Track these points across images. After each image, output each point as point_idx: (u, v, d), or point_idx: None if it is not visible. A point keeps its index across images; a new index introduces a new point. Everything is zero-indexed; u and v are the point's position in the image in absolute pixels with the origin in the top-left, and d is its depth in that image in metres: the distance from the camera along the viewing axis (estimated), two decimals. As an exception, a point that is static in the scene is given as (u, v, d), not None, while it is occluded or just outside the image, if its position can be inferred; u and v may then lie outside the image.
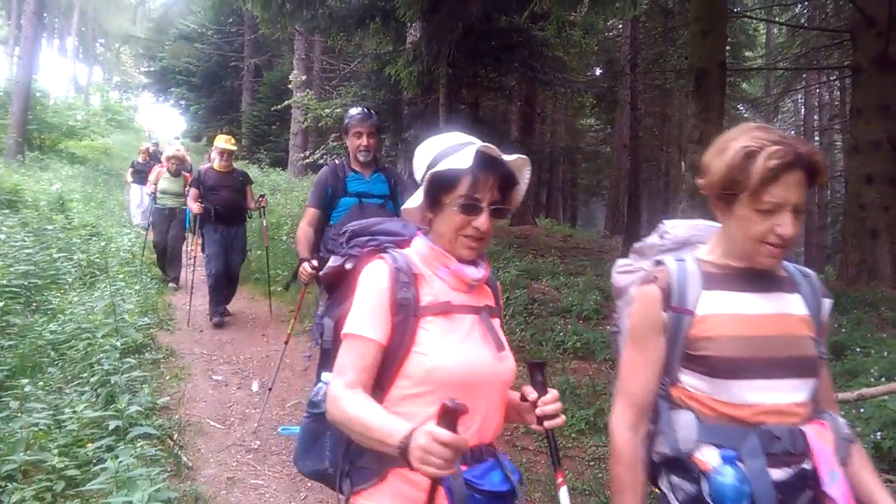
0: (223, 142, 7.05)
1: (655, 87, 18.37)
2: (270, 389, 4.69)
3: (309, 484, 3.67)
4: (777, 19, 15.49)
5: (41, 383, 4.07)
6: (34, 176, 13.61)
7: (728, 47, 9.62)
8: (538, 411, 1.55)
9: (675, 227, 1.75)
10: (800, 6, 15.04)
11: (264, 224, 7.80)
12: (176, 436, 4.04)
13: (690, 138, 6.52)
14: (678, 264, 1.60)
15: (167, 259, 8.77)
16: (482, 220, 1.52)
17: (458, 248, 1.55)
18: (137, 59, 41.26)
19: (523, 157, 1.57)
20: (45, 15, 31.19)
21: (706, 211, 5.75)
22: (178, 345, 6.02)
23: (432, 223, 1.60)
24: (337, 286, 1.74)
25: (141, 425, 3.57)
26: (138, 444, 3.31)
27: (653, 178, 23.68)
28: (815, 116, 25.66)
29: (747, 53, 19.35)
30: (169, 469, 3.55)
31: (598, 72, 21.83)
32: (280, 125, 21.79)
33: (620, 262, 1.84)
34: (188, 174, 8.90)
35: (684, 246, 1.71)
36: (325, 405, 1.50)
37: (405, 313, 1.49)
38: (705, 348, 1.50)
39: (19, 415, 3.41)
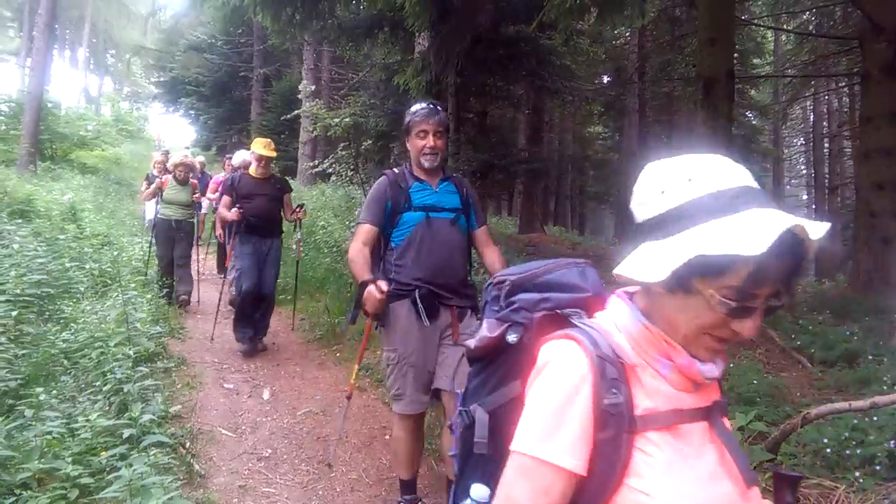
0: (261, 147, 6.27)
1: (663, 94, 18.39)
2: (330, 466, 4.07)
3: (321, 492, 3.68)
4: (785, 27, 15.48)
5: (55, 392, 4.09)
6: (46, 186, 13.72)
7: (736, 55, 9.62)
8: None
9: None
10: (808, 14, 15.02)
11: (298, 237, 7.28)
12: (188, 444, 4.06)
13: (700, 146, 6.52)
14: None
15: (176, 278, 8.06)
16: (749, 325, 0.99)
17: (697, 347, 1.04)
18: (148, 69, 41.68)
19: (827, 224, 0.95)
20: (56, 27, 31.51)
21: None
22: (190, 353, 6.05)
23: (655, 296, 1.07)
24: (491, 361, 1.23)
25: (154, 434, 3.58)
26: (151, 453, 3.33)
27: (661, 186, 23.61)
28: (825, 123, 25.59)
29: (755, 61, 19.35)
30: (182, 477, 3.57)
31: (605, 80, 21.87)
32: (289, 134, 21.93)
33: None
34: (196, 182, 8.37)
35: None
36: None
37: (615, 427, 0.99)
38: None
39: (33, 423, 3.43)
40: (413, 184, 3.23)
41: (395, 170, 3.33)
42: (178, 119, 33.77)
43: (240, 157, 8.13)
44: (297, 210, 6.50)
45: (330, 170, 16.28)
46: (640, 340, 1.06)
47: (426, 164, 3.20)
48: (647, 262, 1.02)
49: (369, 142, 14.22)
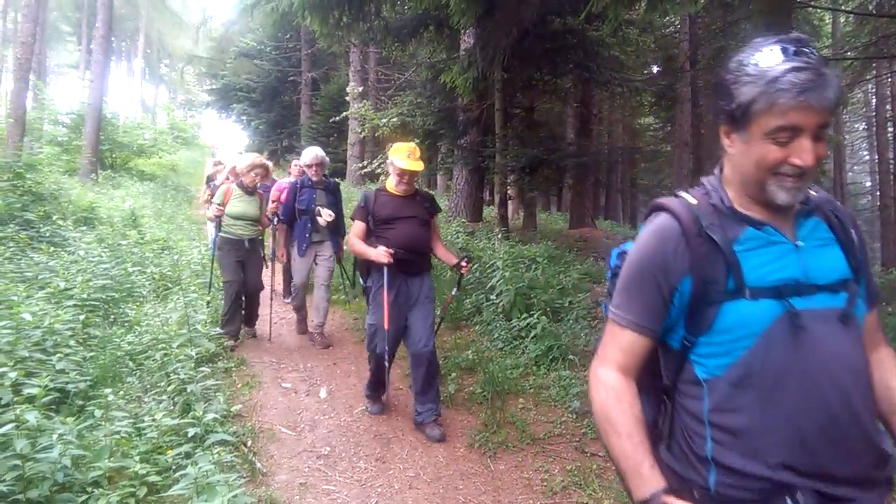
0: (405, 156, 4.44)
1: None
2: None
3: (380, 489, 3.71)
4: (843, 8, 14.88)
5: (122, 392, 4.24)
6: (107, 193, 14.25)
7: (793, 39, 9.31)
8: None
9: None
10: (868, -8, 14.41)
11: (453, 292, 5.08)
12: (250, 442, 4.14)
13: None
14: None
15: (244, 308, 6.45)
16: None
17: None
18: (200, 77, 42.77)
19: None
20: (112, 39, 32.57)
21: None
22: (248, 353, 6.17)
23: None
24: None
25: (217, 432, 3.67)
26: (215, 451, 3.41)
27: (715, 177, 23.05)
28: (888, 107, 24.58)
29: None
30: (244, 475, 3.65)
31: (655, 70, 21.47)
32: (338, 136, 22.24)
33: None
34: (262, 192, 6.68)
35: None
36: None
37: None
38: None
39: (103, 423, 3.55)
40: (744, 232, 1.44)
41: (690, 196, 1.52)
42: (230, 125, 34.60)
43: (310, 153, 6.57)
44: (463, 265, 4.57)
45: (378, 170, 16.42)
46: None
47: (782, 199, 1.40)
48: None
49: (417, 141, 14.28)
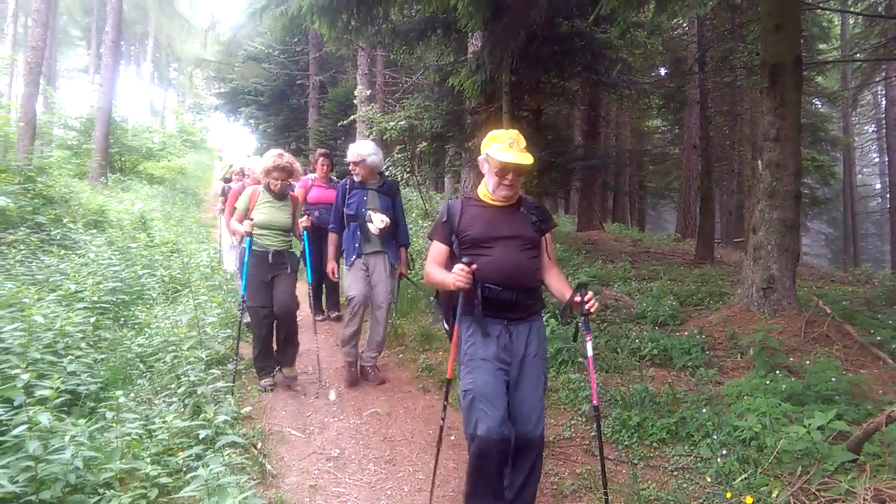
0: (506, 146, 3.08)
1: (725, 85, 17.88)
2: None
3: (389, 492, 3.71)
4: (853, 9, 14.82)
5: (132, 395, 4.27)
6: (117, 197, 14.32)
7: (801, 40, 9.27)
8: None
9: None
10: (877, -6, 14.34)
11: (588, 351, 3.22)
12: (260, 444, 4.15)
13: (767, 136, 6.30)
14: None
15: (277, 338, 5.44)
16: None
17: None
18: (209, 81, 42.98)
19: None
20: (122, 43, 32.77)
21: (785, 211, 5.56)
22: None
23: None
24: None
25: (227, 434, 3.68)
26: (226, 453, 3.42)
27: (724, 179, 23.01)
28: (898, 108, 24.45)
29: (821, 46, 18.62)
30: (255, 477, 3.66)
31: (663, 72, 21.46)
32: (345, 139, 22.26)
33: None
34: (294, 194, 5.67)
35: None
36: None
37: None
38: None
39: (114, 425, 3.56)
40: None
41: None
42: (238, 128, 34.75)
43: (352, 149, 5.57)
44: (579, 300, 3.03)
45: (386, 173, 16.43)
46: None
47: None
48: None
49: (424, 144, 14.30)
